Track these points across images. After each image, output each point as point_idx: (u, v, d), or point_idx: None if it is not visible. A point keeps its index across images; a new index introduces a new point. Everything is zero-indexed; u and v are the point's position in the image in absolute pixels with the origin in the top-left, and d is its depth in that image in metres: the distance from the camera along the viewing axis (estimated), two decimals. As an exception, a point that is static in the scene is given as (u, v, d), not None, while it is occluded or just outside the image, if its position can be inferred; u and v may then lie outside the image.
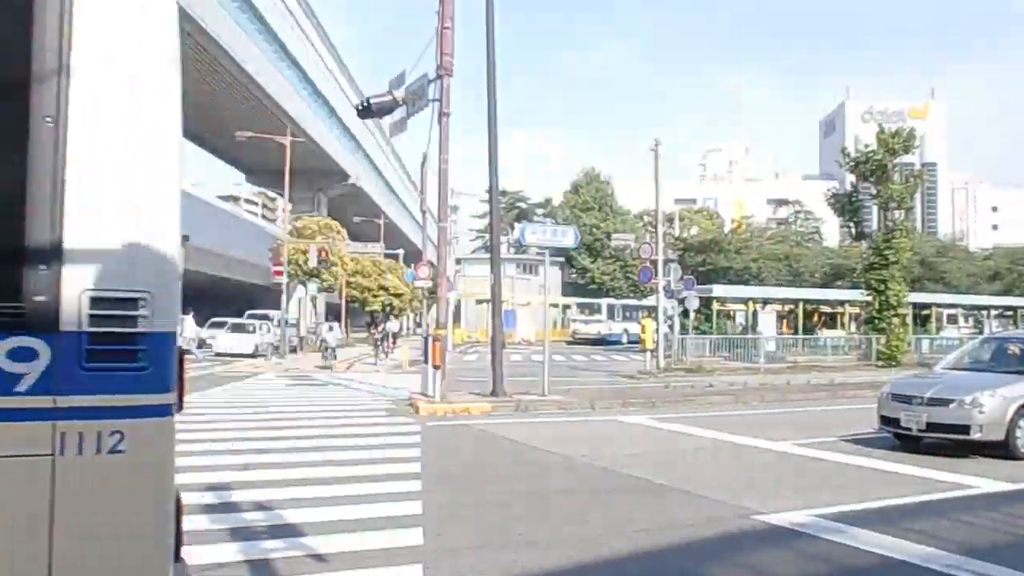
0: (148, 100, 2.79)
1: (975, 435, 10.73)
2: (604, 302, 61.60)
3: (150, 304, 2.73)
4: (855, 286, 40.74)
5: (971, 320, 56.64)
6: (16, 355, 2.59)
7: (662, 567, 6.12)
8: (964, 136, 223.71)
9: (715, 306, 42.66)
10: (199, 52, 44.80)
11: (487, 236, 78.76)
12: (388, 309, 55.49)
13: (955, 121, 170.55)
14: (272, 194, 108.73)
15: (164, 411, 2.83)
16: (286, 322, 35.56)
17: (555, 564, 5.91)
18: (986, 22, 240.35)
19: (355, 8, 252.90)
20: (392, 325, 42.57)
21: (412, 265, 44.18)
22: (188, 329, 32.09)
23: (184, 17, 39.18)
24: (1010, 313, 55.41)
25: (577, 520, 7.28)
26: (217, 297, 66.03)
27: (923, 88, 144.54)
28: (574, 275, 78.74)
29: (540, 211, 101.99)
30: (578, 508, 7.86)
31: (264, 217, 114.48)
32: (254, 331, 35.86)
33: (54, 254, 2.61)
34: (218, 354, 35.00)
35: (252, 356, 33.98)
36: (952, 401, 10.99)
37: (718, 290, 43.30)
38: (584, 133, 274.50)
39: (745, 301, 45.50)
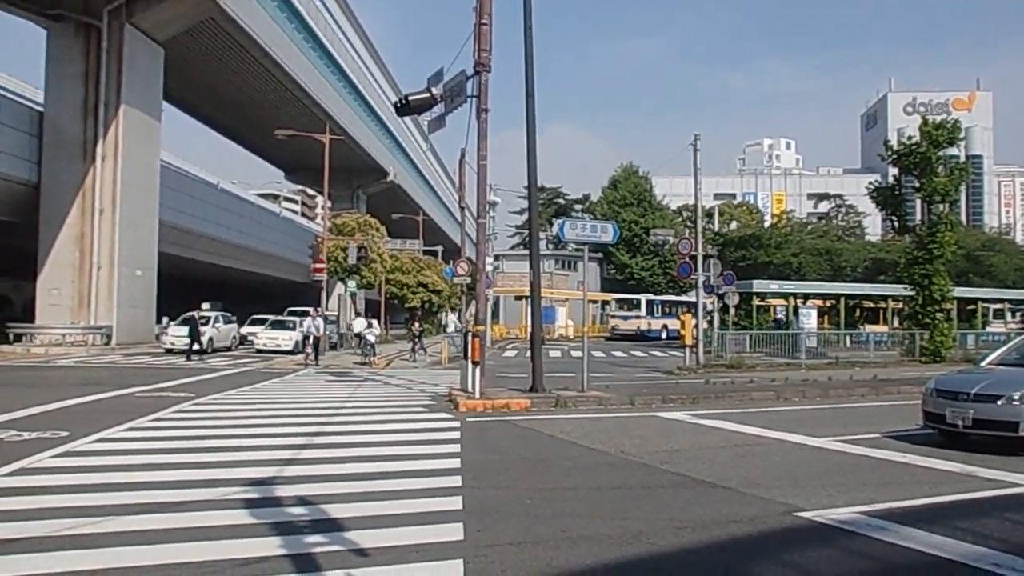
0: None
1: (1023, 432, 10.53)
2: (643, 298, 61.34)
3: None
4: (898, 281, 40.10)
5: (1018, 315, 55.64)
6: None
7: (705, 564, 6.05)
8: (1011, 127, 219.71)
9: (755, 301, 42.29)
10: (240, 53, 45.29)
11: (526, 232, 78.88)
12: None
13: (1002, 112, 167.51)
14: (312, 192, 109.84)
15: None
16: (326, 319, 35.57)
17: (597, 560, 5.88)
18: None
19: (394, 6, 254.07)
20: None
21: (451, 261, 44.18)
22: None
23: (226, 19, 39.70)
24: (1059, 308, 54.36)
25: (618, 516, 7.24)
26: (257, 294, 66.83)
27: (968, 79, 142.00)
28: (613, 271, 78.55)
29: (578, 207, 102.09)
30: (619, 504, 7.82)
31: (304, 215, 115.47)
32: (294, 328, 36.15)
33: None
34: (259, 351, 35.38)
35: (292, 353, 34.25)
36: (999, 397, 10.78)
37: (758, 285, 42.92)
38: (623, 128, 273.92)
39: (786, 296, 45.06)
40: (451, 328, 36.13)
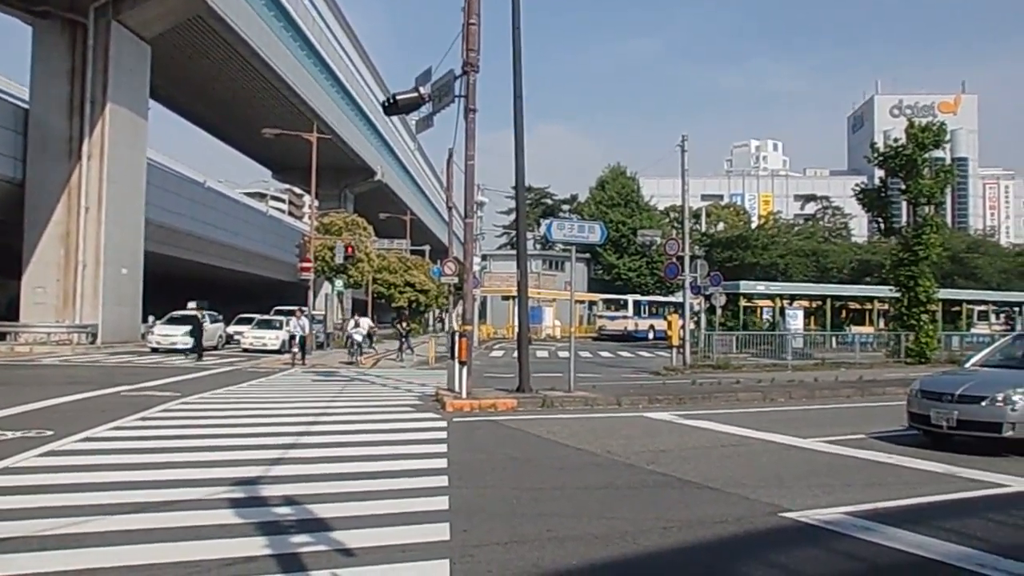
0: None
1: (1007, 433, 10.58)
2: (630, 298, 61.48)
3: None
4: (884, 282, 40.33)
5: (1002, 316, 55.96)
6: None
7: (691, 564, 6.07)
8: (996, 130, 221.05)
9: (742, 302, 42.41)
10: (227, 51, 45.14)
11: (513, 232, 78.86)
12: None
13: (987, 115, 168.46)
14: (299, 191, 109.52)
15: None
16: (313, 318, 35.47)
17: (582, 560, 5.89)
18: (1018, 14, 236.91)
19: (383, 5, 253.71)
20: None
21: (438, 261, 44.13)
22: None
23: (214, 17, 39.56)
24: (1043, 310, 54.66)
25: (604, 516, 7.25)
26: (244, 293, 66.63)
27: (953, 82, 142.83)
28: (600, 271, 78.65)
29: (566, 207, 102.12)
30: (605, 504, 7.83)
31: (291, 214, 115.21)
32: (281, 327, 36.05)
33: None
34: (245, 350, 35.27)
35: (279, 352, 34.15)
36: (983, 398, 10.84)
37: (745, 286, 43.05)
38: (621, 128, 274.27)
39: (772, 297, 45.21)
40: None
